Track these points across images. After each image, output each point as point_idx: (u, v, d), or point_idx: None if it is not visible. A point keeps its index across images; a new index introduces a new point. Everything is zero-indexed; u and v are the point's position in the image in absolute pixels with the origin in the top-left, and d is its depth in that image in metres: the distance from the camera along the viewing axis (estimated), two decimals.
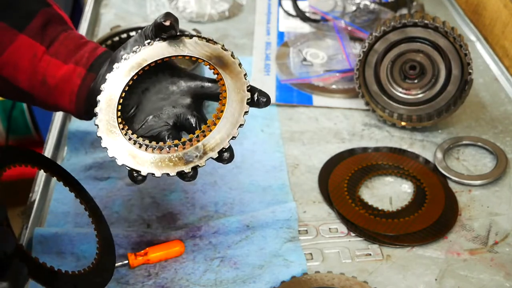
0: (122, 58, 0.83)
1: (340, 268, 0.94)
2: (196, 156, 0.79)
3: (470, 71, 1.13)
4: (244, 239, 0.98)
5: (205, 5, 1.63)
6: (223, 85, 0.82)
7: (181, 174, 0.79)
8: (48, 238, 0.96)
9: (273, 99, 1.30)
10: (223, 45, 0.84)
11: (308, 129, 1.23)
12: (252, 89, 0.82)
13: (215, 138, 0.79)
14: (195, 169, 0.79)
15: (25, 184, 1.15)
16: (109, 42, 1.22)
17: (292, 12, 1.60)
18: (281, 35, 1.53)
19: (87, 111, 0.88)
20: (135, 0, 1.68)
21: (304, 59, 1.41)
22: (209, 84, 0.86)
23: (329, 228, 1.01)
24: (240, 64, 0.83)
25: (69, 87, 0.87)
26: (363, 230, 1.00)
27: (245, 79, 0.82)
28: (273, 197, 1.07)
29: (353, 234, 1.00)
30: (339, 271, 0.93)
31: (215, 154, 0.79)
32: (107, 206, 1.05)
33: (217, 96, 0.84)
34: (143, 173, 0.80)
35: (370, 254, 0.97)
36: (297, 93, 1.32)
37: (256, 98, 0.82)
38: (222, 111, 0.81)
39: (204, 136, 0.80)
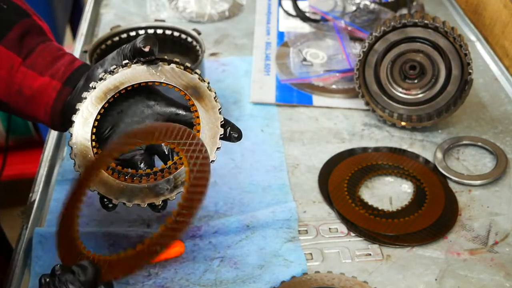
0: (99, 77, 0.84)
1: (340, 268, 0.94)
2: (167, 189, 0.81)
3: (470, 71, 1.13)
4: (244, 239, 0.98)
5: (205, 5, 1.63)
6: (198, 117, 0.83)
7: (151, 206, 0.81)
8: (48, 238, 0.96)
9: (273, 99, 1.30)
10: (200, 75, 0.84)
11: (308, 129, 1.23)
12: (225, 124, 0.83)
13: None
14: (165, 201, 0.81)
15: (25, 184, 1.15)
16: (109, 42, 1.22)
17: (292, 12, 1.60)
18: (281, 35, 1.53)
19: (62, 124, 0.89)
20: (135, 0, 1.68)
21: (304, 59, 1.40)
22: (184, 112, 0.86)
23: (329, 228, 1.01)
24: (215, 98, 0.83)
25: (44, 99, 0.87)
26: (363, 230, 1.00)
27: (220, 113, 0.83)
28: (273, 197, 1.07)
29: (353, 234, 1.00)
30: (339, 271, 0.93)
31: None
32: None
33: (190, 125, 0.84)
34: (114, 201, 0.81)
35: (370, 254, 0.97)
36: (297, 93, 1.32)
37: (228, 133, 0.84)
38: None
39: (176, 169, 0.81)
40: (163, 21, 1.29)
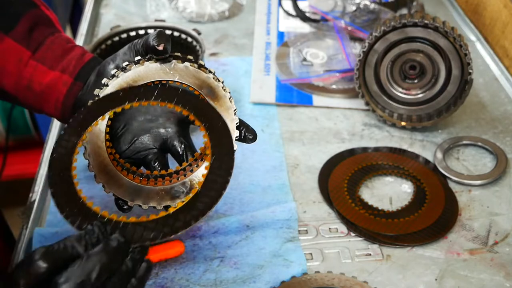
0: (111, 73, 0.81)
1: (340, 268, 0.94)
2: (183, 192, 0.80)
3: (470, 71, 1.13)
4: (244, 239, 0.98)
5: (205, 5, 1.63)
6: None
7: (166, 208, 0.80)
8: (48, 238, 0.96)
9: (273, 99, 1.30)
10: (214, 74, 0.82)
11: (308, 129, 1.23)
12: (240, 125, 0.82)
13: (202, 176, 0.79)
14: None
15: (25, 184, 1.15)
16: (109, 42, 1.22)
17: (292, 12, 1.60)
18: (281, 35, 1.53)
19: None
20: (135, 0, 1.68)
21: (304, 59, 1.41)
22: None
23: (329, 228, 1.01)
24: (230, 98, 0.81)
25: (54, 94, 0.86)
26: (363, 230, 1.00)
27: (235, 115, 0.81)
28: (273, 197, 1.07)
29: (353, 234, 1.00)
30: (339, 271, 0.93)
31: None
32: (107, 206, 1.04)
33: None
34: (130, 203, 0.80)
35: (370, 254, 0.97)
36: (297, 93, 1.32)
37: (243, 135, 0.83)
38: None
39: (191, 171, 0.80)
40: (163, 21, 1.29)
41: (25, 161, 2.19)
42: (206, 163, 0.76)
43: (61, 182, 0.71)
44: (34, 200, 1.05)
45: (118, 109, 0.76)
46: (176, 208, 0.70)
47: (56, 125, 1.22)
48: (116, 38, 1.23)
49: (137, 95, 0.76)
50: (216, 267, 0.94)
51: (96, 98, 0.78)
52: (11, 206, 1.64)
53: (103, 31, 1.52)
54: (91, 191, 1.06)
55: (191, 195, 0.71)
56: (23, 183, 1.68)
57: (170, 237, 0.69)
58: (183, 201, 0.71)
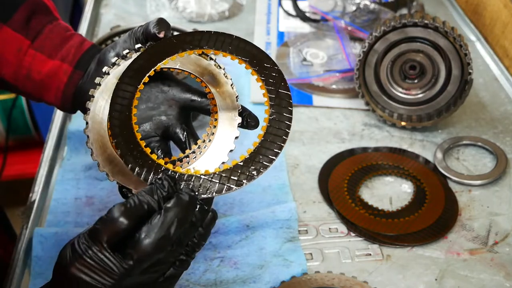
0: (111, 61, 0.81)
1: (340, 268, 0.94)
2: None
3: (470, 71, 1.13)
4: (244, 239, 0.98)
5: (205, 5, 1.63)
6: (215, 105, 0.81)
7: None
8: (48, 238, 0.96)
9: None
10: (215, 61, 0.81)
11: (308, 129, 1.23)
12: (242, 112, 0.82)
13: (206, 163, 0.80)
14: None
15: (25, 184, 1.15)
16: (109, 42, 1.22)
17: (292, 12, 1.60)
18: (281, 35, 1.53)
19: (73, 106, 0.88)
20: (135, 0, 1.68)
21: (304, 59, 1.41)
22: (199, 99, 0.84)
23: (329, 228, 1.01)
24: (232, 85, 0.81)
25: (55, 83, 0.86)
26: (363, 230, 1.00)
27: (237, 101, 0.81)
28: (273, 197, 1.06)
29: (353, 234, 1.00)
30: (339, 271, 0.93)
31: None
32: (108, 206, 1.04)
33: (206, 111, 0.83)
34: (134, 191, 0.80)
35: (370, 254, 0.97)
36: (297, 93, 1.32)
37: (245, 122, 0.82)
38: (213, 134, 0.81)
39: (195, 158, 0.80)
40: None
41: (25, 161, 2.19)
42: (208, 151, 0.77)
43: (123, 134, 0.73)
44: (34, 200, 1.05)
45: (173, 58, 0.76)
46: (238, 162, 0.73)
47: (56, 125, 1.22)
48: (116, 38, 1.23)
49: (191, 42, 0.77)
50: (216, 267, 0.94)
51: (148, 45, 0.78)
52: (12, 206, 1.64)
53: (103, 31, 1.52)
54: (91, 191, 1.06)
55: (253, 148, 0.74)
56: (23, 183, 1.68)
57: (234, 190, 0.72)
58: (245, 155, 0.74)
